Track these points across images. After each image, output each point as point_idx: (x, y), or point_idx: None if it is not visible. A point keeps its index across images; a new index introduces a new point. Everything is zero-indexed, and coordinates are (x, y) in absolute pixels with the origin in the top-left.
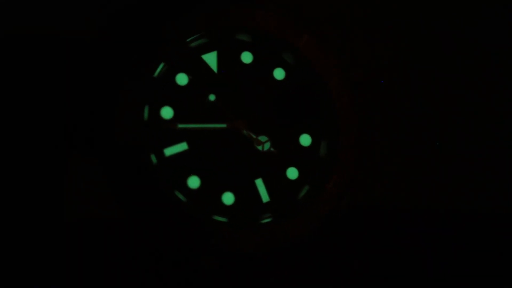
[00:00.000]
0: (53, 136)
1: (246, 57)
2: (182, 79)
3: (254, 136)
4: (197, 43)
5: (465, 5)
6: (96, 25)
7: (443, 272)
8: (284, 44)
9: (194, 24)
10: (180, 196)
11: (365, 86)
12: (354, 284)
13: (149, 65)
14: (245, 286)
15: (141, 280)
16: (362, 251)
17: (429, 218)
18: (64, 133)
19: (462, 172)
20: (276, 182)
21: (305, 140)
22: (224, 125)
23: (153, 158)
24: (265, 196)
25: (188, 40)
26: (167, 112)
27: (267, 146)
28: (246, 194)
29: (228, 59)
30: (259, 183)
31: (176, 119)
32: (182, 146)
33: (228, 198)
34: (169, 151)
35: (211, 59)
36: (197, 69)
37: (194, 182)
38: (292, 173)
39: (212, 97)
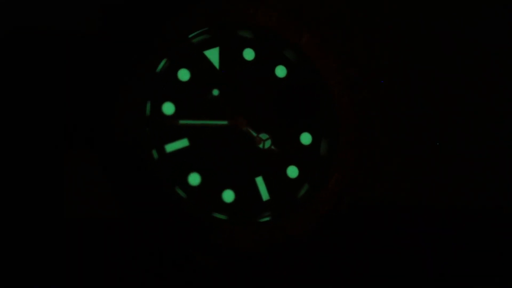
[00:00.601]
0: (53, 133)
1: (248, 54)
2: (184, 75)
3: (255, 134)
4: (199, 39)
5: (465, 5)
6: (98, 20)
7: (443, 272)
8: (285, 42)
9: (196, 20)
10: (181, 193)
11: (365, 85)
12: (354, 284)
13: (151, 61)
14: (244, 284)
15: (141, 277)
16: (362, 251)
17: (428, 217)
18: (65, 129)
19: (462, 172)
20: (276, 181)
21: (306, 138)
22: (225, 122)
23: (155, 153)
24: (265, 194)
25: (190, 36)
26: (168, 108)
27: (267, 144)
28: (246, 192)
29: (230, 55)
30: (260, 181)
31: (177, 115)
32: (183, 143)
33: (228, 195)
34: (170, 147)
35: (213, 55)
36: (199, 65)
37: (194, 179)
38: (293, 171)
39: (215, 92)
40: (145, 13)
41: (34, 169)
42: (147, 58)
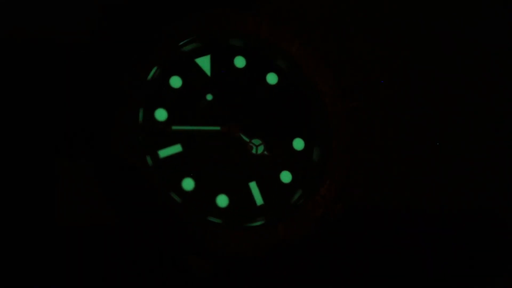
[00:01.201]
0: (47, 139)
1: (239, 62)
2: (176, 82)
3: (247, 140)
4: (190, 47)
5: (465, 5)
6: (90, 29)
7: (443, 272)
8: (276, 50)
9: (187, 28)
10: (176, 198)
11: (358, 90)
12: (354, 284)
13: (142, 68)
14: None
15: (137, 281)
16: (362, 251)
17: (428, 218)
18: (58, 137)
19: (462, 172)
20: (270, 186)
21: (298, 144)
22: (218, 128)
23: (149, 160)
24: (259, 199)
25: (181, 44)
26: (161, 114)
27: (260, 149)
28: (240, 196)
29: (221, 63)
30: (253, 186)
31: (170, 121)
32: (176, 148)
33: (222, 200)
34: (164, 152)
35: (204, 63)
36: (191, 73)
37: (188, 184)
38: (286, 176)
39: (209, 97)
40: (136, 21)
41: (28, 177)
42: (139, 66)
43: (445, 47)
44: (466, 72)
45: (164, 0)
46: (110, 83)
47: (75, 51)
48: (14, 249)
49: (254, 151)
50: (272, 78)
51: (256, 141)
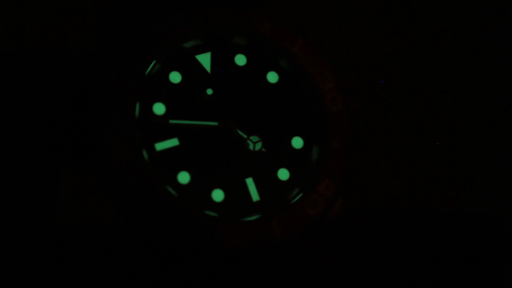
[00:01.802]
0: (42, 135)
1: (240, 60)
2: (175, 77)
3: (245, 136)
4: (191, 43)
5: (465, 5)
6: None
7: (442, 272)
8: (278, 48)
9: (188, 24)
10: (172, 191)
11: (358, 91)
12: (353, 284)
13: (141, 62)
14: (233, 283)
15: (133, 275)
16: (360, 251)
17: (429, 218)
18: (53, 130)
19: (462, 173)
20: (267, 182)
21: (297, 142)
22: (215, 123)
23: (145, 153)
24: (255, 195)
25: (181, 40)
26: (159, 108)
27: (258, 146)
28: (236, 192)
29: (222, 60)
30: (250, 182)
31: (168, 115)
32: (173, 142)
33: (218, 195)
34: (160, 146)
35: (205, 59)
36: (191, 69)
37: (184, 177)
38: (283, 174)
39: (209, 91)
40: (136, 16)
41: (25, 172)
42: (137, 60)
43: (446, 47)
44: (466, 72)
45: None
46: (109, 77)
47: (71, 46)
48: (14, 249)
49: (251, 147)
50: (272, 77)
51: (254, 138)
